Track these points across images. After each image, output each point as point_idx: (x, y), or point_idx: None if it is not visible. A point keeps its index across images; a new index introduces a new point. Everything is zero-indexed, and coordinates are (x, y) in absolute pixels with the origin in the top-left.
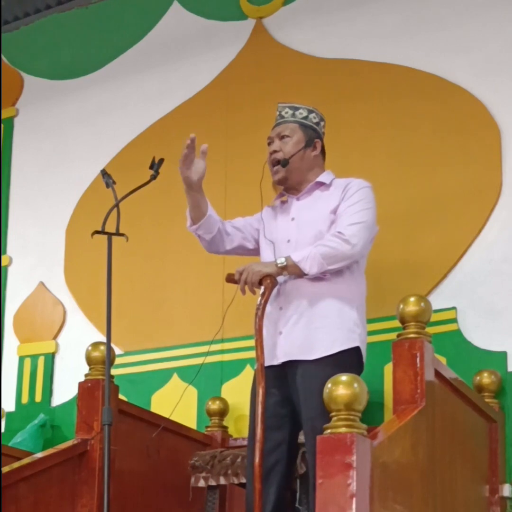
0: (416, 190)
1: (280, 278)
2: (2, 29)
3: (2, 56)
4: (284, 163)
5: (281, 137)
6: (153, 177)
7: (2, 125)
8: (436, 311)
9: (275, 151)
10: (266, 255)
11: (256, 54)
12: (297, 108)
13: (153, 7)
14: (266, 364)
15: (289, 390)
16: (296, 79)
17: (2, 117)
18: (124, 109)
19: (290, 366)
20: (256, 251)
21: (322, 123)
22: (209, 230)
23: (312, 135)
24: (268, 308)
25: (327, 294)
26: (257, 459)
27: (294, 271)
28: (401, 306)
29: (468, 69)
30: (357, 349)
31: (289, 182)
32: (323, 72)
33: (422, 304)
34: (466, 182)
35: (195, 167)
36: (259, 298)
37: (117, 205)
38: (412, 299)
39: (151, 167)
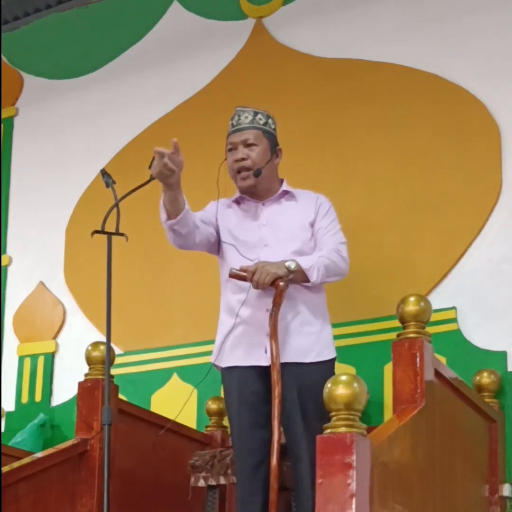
0: (416, 190)
1: None
2: (2, 29)
3: (2, 56)
4: (257, 172)
5: (247, 145)
6: (153, 177)
7: (2, 125)
8: (436, 311)
9: (242, 159)
10: (231, 255)
11: (256, 54)
12: (256, 113)
13: (153, 7)
14: (253, 363)
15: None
16: (296, 79)
17: (2, 117)
18: (124, 109)
19: (281, 367)
20: (214, 247)
21: (276, 129)
22: (186, 224)
23: (274, 143)
24: (250, 307)
25: (312, 304)
26: (274, 460)
27: (298, 276)
28: (401, 306)
29: (468, 69)
30: (335, 359)
31: (257, 190)
32: (323, 72)
33: (422, 304)
34: (466, 182)
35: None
36: (272, 302)
37: (117, 205)
38: (412, 299)
39: (150, 167)
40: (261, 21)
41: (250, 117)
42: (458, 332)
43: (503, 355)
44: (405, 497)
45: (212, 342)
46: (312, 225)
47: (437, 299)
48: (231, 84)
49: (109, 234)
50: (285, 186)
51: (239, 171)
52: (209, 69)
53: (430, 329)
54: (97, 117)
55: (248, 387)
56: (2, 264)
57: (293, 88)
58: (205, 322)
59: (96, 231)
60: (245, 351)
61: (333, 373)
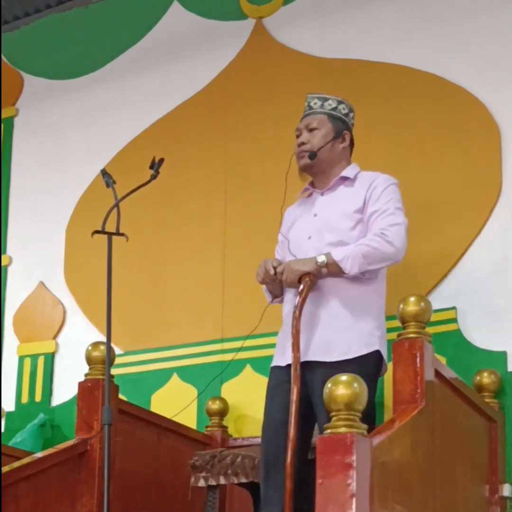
0: (416, 190)
1: None
2: (2, 29)
3: (2, 56)
4: (311, 155)
5: (310, 130)
6: (153, 177)
7: (2, 125)
8: (436, 311)
9: (303, 143)
10: (283, 252)
11: (256, 54)
12: (326, 99)
13: (153, 7)
14: (284, 363)
15: (307, 389)
16: (296, 79)
17: (2, 117)
18: (124, 109)
19: (307, 366)
20: None
21: (351, 114)
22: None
23: (341, 127)
24: (287, 307)
25: (346, 296)
26: (288, 459)
27: (333, 269)
28: (401, 306)
29: (468, 69)
30: (377, 353)
31: (314, 170)
32: (323, 72)
33: (422, 304)
34: (466, 182)
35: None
36: (297, 297)
37: (117, 205)
38: (412, 299)
39: (151, 167)
40: (261, 21)
41: (319, 103)
42: (458, 332)
43: (503, 355)
44: (405, 497)
45: (212, 342)
46: (359, 212)
47: (437, 299)
48: (231, 84)
49: (109, 234)
50: (346, 172)
51: (300, 156)
52: (209, 69)
53: (430, 329)
54: (97, 117)
55: (282, 385)
56: (2, 264)
57: (293, 88)
58: (205, 322)
59: (96, 231)
60: (281, 350)
61: (366, 372)
